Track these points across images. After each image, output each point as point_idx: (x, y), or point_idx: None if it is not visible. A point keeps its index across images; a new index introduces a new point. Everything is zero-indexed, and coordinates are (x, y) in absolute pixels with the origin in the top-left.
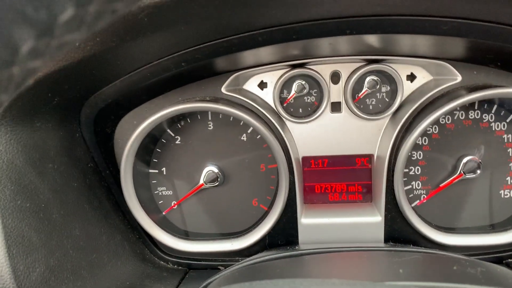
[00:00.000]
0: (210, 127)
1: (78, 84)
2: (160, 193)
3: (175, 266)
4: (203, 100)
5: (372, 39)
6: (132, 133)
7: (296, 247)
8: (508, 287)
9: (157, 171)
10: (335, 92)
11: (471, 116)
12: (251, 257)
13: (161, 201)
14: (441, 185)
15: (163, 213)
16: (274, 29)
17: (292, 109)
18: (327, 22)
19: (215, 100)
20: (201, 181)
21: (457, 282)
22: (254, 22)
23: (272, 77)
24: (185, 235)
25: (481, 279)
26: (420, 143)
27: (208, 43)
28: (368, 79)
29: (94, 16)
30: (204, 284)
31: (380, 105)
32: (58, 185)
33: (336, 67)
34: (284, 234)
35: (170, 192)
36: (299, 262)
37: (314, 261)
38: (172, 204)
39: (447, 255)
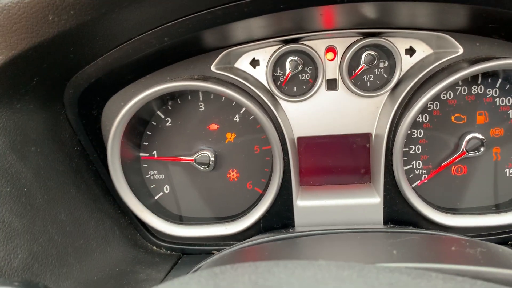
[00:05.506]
0: (202, 108)
1: (58, 63)
2: (151, 177)
3: (168, 251)
4: (191, 79)
5: (368, 9)
6: (118, 114)
7: (291, 230)
8: (510, 268)
9: (147, 154)
10: (331, 69)
11: (474, 91)
12: (244, 241)
13: (153, 185)
14: (443, 164)
15: (155, 198)
16: None
17: (286, 88)
18: None
19: (205, 79)
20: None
21: (455, 263)
22: None
23: (265, 54)
24: (179, 220)
25: (481, 259)
26: (421, 121)
27: (191, 16)
28: (365, 54)
29: None
30: (195, 268)
31: (378, 81)
32: (41, 168)
33: (331, 42)
34: (280, 217)
35: (162, 176)
36: (289, 245)
37: (304, 243)
38: (164, 188)
39: (446, 235)
